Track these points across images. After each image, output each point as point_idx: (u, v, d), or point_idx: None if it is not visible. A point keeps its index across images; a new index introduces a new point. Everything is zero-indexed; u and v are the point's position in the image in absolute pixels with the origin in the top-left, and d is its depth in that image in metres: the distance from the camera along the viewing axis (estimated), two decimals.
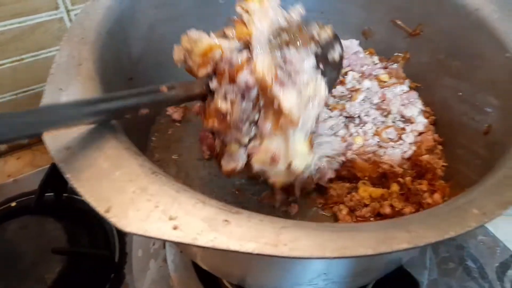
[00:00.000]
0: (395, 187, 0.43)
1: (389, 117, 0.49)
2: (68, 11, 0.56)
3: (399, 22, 0.52)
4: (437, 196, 0.42)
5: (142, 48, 0.47)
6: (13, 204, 0.60)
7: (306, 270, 0.34)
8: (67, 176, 0.27)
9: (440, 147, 0.48)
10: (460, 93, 0.46)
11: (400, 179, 0.43)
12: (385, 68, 0.54)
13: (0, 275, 0.49)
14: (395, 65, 0.54)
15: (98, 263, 0.54)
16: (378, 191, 0.43)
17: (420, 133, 0.48)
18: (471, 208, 0.26)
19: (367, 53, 0.57)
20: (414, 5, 0.50)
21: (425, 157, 0.45)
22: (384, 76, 0.53)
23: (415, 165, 0.45)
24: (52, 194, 0.58)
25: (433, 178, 0.44)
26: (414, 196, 0.43)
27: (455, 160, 0.46)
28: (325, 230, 0.25)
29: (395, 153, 0.45)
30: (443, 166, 0.46)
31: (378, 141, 0.47)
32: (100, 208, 0.25)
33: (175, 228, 0.25)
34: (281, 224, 0.25)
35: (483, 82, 0.42)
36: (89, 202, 0.26)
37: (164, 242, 0.53)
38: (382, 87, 0.52)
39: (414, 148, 0.46)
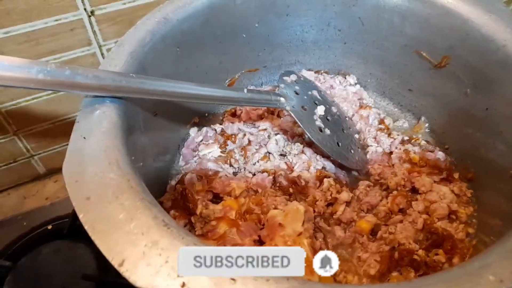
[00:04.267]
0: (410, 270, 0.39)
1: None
2: (100, 46, 0.59)
3: (424, 54, 0.51)
4: (456, 261, 0.39)
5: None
6: (49, 227, 0.63)
7: None
8: (86, 227, 0.29)
9: (469, 192, 0.46)
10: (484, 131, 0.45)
11: (416, 257, 0.39)
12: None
13: None
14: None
15: None
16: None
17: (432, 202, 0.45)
18: (487, 274, 0.25)
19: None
20: (440, 37, 0.48)
21: (440, 223, 0.42)
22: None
23: (431, 234, 0.42)
24: None
25: (453, 247, 0.40)
26: (432, 270, 0.39)
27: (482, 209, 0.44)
28: None
29: (406, 227, 0.42)
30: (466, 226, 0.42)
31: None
32: (114, 261, 0.27)
33: (182, 286, 0.25)
34: (286, 285, 0.25)
35: (506, 119, 0.41)
36: (105, 255, 0.27)
37: None
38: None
39: (425, 216, 0.43)
